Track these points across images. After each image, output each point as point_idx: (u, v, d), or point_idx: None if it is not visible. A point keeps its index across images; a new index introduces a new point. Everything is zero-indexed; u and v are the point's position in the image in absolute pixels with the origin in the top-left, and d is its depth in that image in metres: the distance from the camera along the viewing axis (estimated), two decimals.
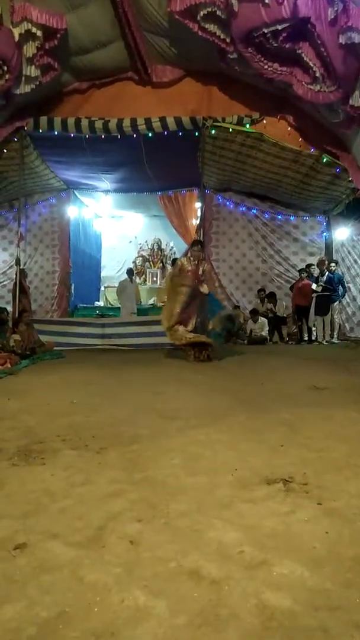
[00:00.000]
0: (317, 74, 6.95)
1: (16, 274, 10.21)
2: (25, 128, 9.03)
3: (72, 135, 9.07)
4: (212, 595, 1.45)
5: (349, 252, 11.47)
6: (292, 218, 11.68)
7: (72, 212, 12.32)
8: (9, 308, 10.18)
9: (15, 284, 10.14)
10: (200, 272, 7.33)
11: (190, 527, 1.83)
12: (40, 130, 9.05)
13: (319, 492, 2.10)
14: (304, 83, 7.24)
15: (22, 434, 3.25)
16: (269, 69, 7.35)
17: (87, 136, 9.08)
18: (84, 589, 1.50)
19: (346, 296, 11.01)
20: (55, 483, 2.35)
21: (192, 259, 7.39)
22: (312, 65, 6.89)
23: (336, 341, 10.44)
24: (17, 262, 10.35)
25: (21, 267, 10.37)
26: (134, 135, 9.03)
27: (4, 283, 11.89)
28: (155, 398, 4.40)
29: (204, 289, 7.32)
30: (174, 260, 10.80)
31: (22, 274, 10.45)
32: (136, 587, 1.49)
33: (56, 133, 9.07)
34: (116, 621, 1.34)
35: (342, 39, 6.24)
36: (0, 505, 2.11)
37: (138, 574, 1.56)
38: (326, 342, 10.31)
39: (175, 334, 7.28)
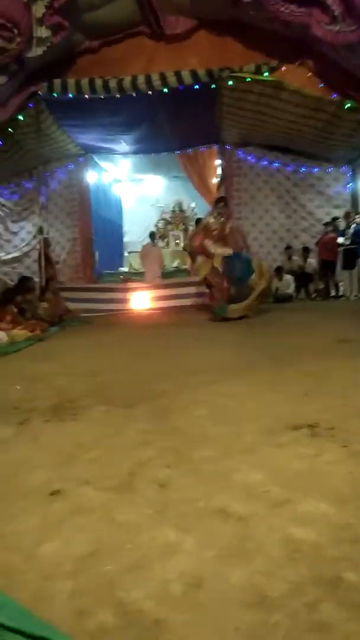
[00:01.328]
0: (337, 13, 6.56)
1: (40, 243, 10.28)
2: (40, 93, 8.90)
3: (86, 96, 8.90)
4: (239, 530, 1.50)
5: None
6: (315, 170, 11.29)
7: (91, 177, 12.19)
8: (35, 278, 10.33)
9: (39, 253, 10.23)
10: (226, 230, 7.24)
11: (217, 471, 1.89)
12: (55, 94, 8.90)
13: (344, 436, 2.12)
14: (322, 24, 6.85)
15: (54, 394, 3.36)
16: (286, 10, 6.97)
17: (102, 96, 8.90)
18: (115, 529, 1.58)
19: None
20: (87, 436, 2.44)
21: (217, 217, 7.29)
22: (330, 3, 6.51)
23: None
24: (40, 231, 10.40)
25: (44, 235, 10.43)
26: (149, 92, 8.80)
27: (29, 253, 12.01)
28: (180, 356, 4.46)
29: (224, 251, 7.19)
30: (198, 220, 10.65)
31: (46, 243, 10.52)
32: (166, 525, 1.55)
33: (70, 95, 8.90)
34: (147, 556, 1.41)
35: None
36: (36, 457, 2.22)
37: (167, 514, 1.63)
38: (354, 296, 10.12)
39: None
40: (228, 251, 7.25)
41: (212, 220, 7.39)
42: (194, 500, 1.69)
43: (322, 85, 8.29)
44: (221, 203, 7.43)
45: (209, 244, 7.24)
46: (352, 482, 1.74)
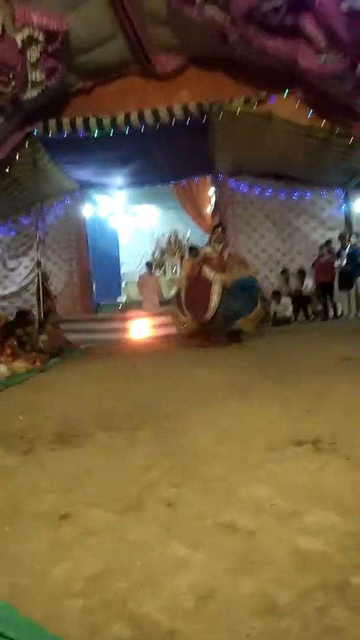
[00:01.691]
0: (322, 45, 6.83)
1: (38, 277, 10.40)
2: (36, 133, 9.17)
3: (81, 134, 9.17)
4: (247, 544, 1.52)
5: None
6: (308, 194, 11.53)
7: (87, 211, 12.45)
8: (34, 311, 10.41)
9: (38, 286, 10.35)
10: (225, 257, 7.33)
11: (224, 488, 1.91)
12: (50, 133, 9.18)
13: (347, 450, 2.14)
14: (309, 56, 7.13)
15: (57, 423, 3.37)
16: (272, 45, 7.26)
17: (95, 135, 9.17)
18: (125, 548, 1.59)
19: None
20: (93, 461, 2.45)
21: (215, 244, 7.41)
22: (315, 36, 6.78)
23: None
24: (38, 264, 10.54)
25: (42, 269, 10.57)
26: (142, 129, 9.07)
27: (28, 287, 12.13)
28: (181, 379, 4.48)
29: (222, 278, 7.19)
30: (191, 249, 10.80)
31: (44, 276, 10.67)
32: (175, 542, 1.57)
33: (65, 134, 9.18)
34: (158, 572, 1.42)
35: (343, 6, 6.13)
36: (44, 483, 2.22)
37: (176, 531, 1.64)
38: (355, 316, 10.19)
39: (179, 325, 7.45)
40: (229, 278, 7.22)
41: (209, 250, 7.50)
42: (201, 517, 1.70)
43: (311, 113, 8.55)
44: (218, 229, 7.58)
45: (207, 270, 7.30)
46: (357, 493, 1.76)
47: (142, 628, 1.14)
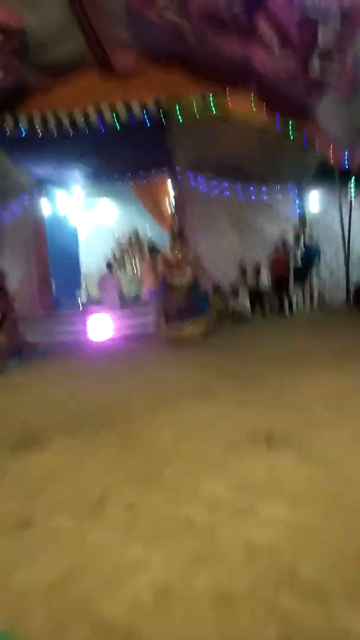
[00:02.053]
0: (275, 46, 7.01)
1: None
2: None
3: (39, 131, 9.05)
4: (204, 541, 1.60)
5: (321, 220, 11.64)
6: (264, 189, 11.77)
7: (46, 209, 12.27)
8: None
9: None
10: (182, 259, 7.53)
11: (183, 487, 1.98)
12: (7, 129, 9.02)
13: (299, 444, 2.26)
14: (262, 56, 7.29)
15: (18, 427, 3.35)
16: (227, 46, 7.38)
17: (54, 130, 9.07)
18: (87, 550, 1.64)
19: (323, 266, 11.21)
20: (55, 466, 2.47)
21: (174, 248, 7.63)
22: (268, 37, 6.94)
23: (317, 309, 10.66)
24: None
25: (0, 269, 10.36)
26: (101, 126, 9.04)
27: None
28: (143, 380, 4.53)
29: (179, 280, 7.48)
30: (152, 249, 10.88)
31: (2, 275, 10.46)
32: (135, 543, 1.63)
33: (23, 130, 9.03)
34: (119, 572, 1.48)
35: (296, 9, 6.30)
36: (6, 490, 2.24)
37: (136, 531, 1.71)
38: (307, 310, 10.52)
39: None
40: (184, 280, 7.52)
41: (170, 255, 7.78)
42: (161, 517, 1.77)
43: (265, 111, 8.76)
44: (176, 237, 7.82)
45: (171, 276, 7.59)
46: (307, 485, 1.87)
47: (102, 627, 1.20)
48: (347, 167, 8.92)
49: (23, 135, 9.13)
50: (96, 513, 1.90)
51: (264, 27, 7.01)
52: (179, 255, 7.51)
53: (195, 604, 1.25)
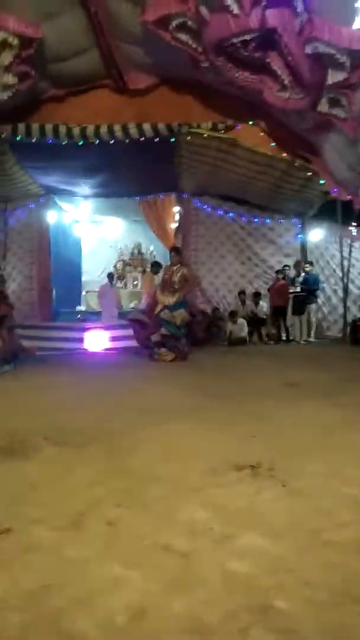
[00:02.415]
0: (286, 82, 7.16)
1: None
2: (3, 135, 9.10)
3: (50, 141, 9.18)
4: (183, 565, 1.60)
5: (322, 254, 11.80)
6: (267, 220, 11.94)
7: (51, 217, 12.38)
8: None
9: None
10: (175, 279, 7.60)
11: (163, 510, 1.99)
12: (19, 137, 9.14)
13: (283, 475, 2.27)
14: (273, 91, 7.45)
15: (5, 434, 3.35)
16: (240, 77, 7.55)
17: (65, 142, 9.20)
18: (65, 565, 1.64)
19: (321, 296, 11.31)
20: (39, 476, 2.47)
21: (169, 267, 7.74)
22: (280, 73, 7.10)
23: (313, 340, 10.71)
24: None
25: (0, 272, 10.40)
26: (112, 141, 9.18)
27: None
28: (133, 396, 4.54)
29: (163, 299, 7.54)
30: (154, 263, 10.96)
31: (1, 279, 10.49)
32: (113, 561, 1.63)
33: (34, 139, 9.16)
34: (95, 590, 1.48)
35: (307, 49, 6.46)
36: None
37: (115, 550, 1.71)
38: (304, 341, 10.57)
39: None
40: (172, 300, 7.57)
41: (165, 270, 7.90)
42: (140, 537, 1.77)
43: (273, 144, 8.92)
44: (171, 252, 7.96)
45: (157, 293, 7.74)
46: (289, 518, 1.88)
47: None
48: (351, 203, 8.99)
49: (34, 143, 9.27)
50: (77, 527, 1.90)
51: (276, 64, 7.18)
52: (176, 273, 7.58)
53: (169, 628, 1.25)
